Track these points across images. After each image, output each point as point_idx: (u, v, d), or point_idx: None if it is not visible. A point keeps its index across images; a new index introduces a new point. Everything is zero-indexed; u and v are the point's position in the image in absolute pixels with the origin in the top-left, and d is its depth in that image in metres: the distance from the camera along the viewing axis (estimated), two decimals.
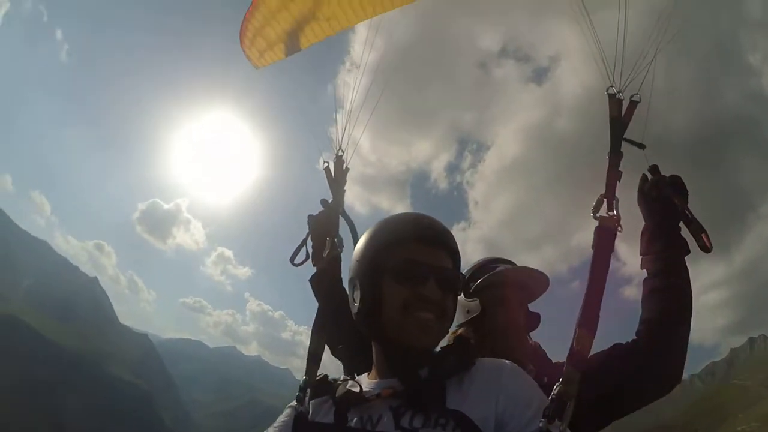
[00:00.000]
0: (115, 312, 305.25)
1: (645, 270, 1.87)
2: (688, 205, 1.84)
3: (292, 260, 2.30)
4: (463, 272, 2.26)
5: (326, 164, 2.42)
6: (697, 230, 1.80)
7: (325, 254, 2.19)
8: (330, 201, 2.33)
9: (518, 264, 2.36)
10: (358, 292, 1.56)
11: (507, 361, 1.53)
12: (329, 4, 2.70)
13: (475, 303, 2.20)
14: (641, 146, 1.79)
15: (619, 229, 1.61)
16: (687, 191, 1.86)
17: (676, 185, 1.86)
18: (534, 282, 2.28)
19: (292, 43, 2.90)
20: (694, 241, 1.83)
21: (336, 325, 1.94)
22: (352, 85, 2.48)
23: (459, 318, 2.22)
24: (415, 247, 1.53)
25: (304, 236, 2.32)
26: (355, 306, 1.58)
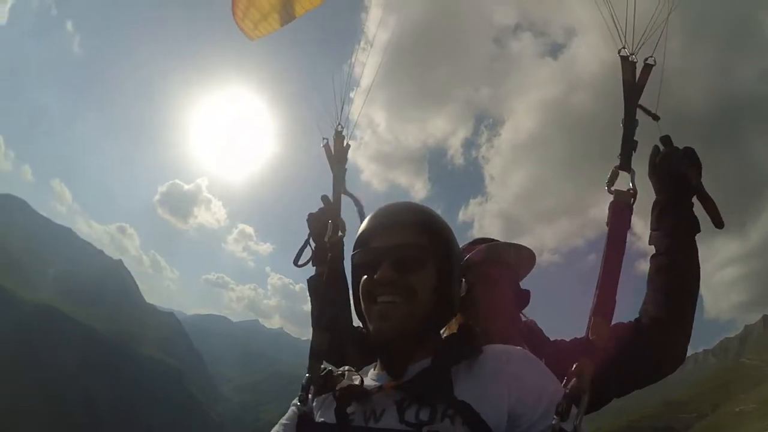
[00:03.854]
0: (141, 292, 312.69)
1: (653, 246, 1.77)
2: (702, 180, 1.71)
3: (295, 262, 2.22)
4: None
5: (325, 141, 2.32)
6: (710, 205, 1.68)
7: (326, 238, 2.12)
8: (328, 191, 2.24)
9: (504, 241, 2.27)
10: (353, 292, 1.56)
11: (518, 347, 1.46)
12: None
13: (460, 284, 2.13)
14: (655, 117, 1.67)
15: (633, 201, 1.50)
16: (701, 164, 1.72)
17: (690, 158, 1.71)
18: (518, 258, 2.20)
19: (286, 11, 2.85)
20: (707, 218, 1.71)
21: (332, 326, 1.85)
22: (358, 56, 2.35)
23: None
24: (375, 236, 1.49)
25: (306, 237, 2.24)
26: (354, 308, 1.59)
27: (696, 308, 1.70)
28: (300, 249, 2.24)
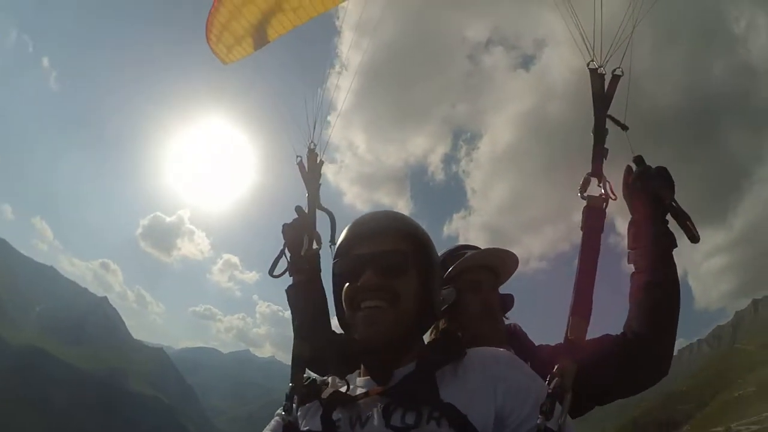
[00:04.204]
0: (128, 328, 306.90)
1: (632, 265, 1.83)
2: (675, 197, 1.78)
3: (271, 272, 2.23)
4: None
5: (299, 158, 2.37)
6: (684, 222, 1.75)
7: (303, 252, 2.14)
8: (304, 207, 2.27)
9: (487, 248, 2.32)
10: (335, 300, 1.57)
11: (502, 349, 1.49)
12: None
13: (449, 290, 2.13)
14: (624, 127, 1.73)
15: (605, 206, 1.57)
16: (673, 183, 1.79)
17: (663, 176, 1.79)
18: (503, 263, 2.25)
19: (259, 36, 2.88)
20: (683, 233, 1.78)
21: (313, 335, 1.87)
22: (334, 80, 2.45)
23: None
24: (356, 244, 1.51)
25: (281, 247, 2.24)
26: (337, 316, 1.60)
27: (678, 322, 1.77)
28: (275, 259, 2.23)
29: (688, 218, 1.75)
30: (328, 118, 2.39)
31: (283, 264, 2.22)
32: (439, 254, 2.21)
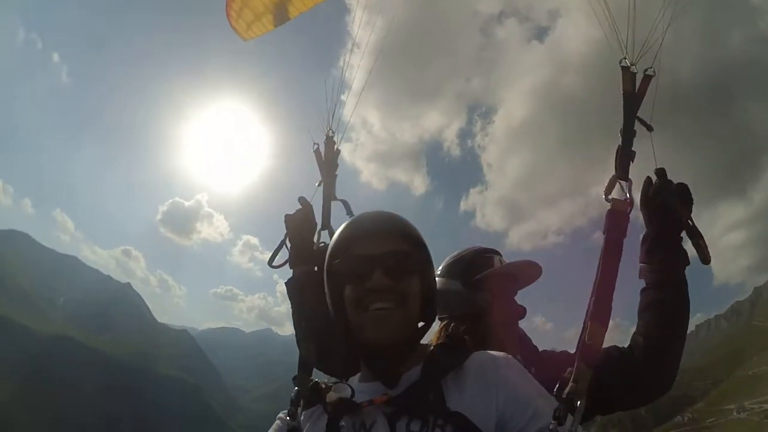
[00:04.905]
0: (152, 312, 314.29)
1: (643, 280, 1.82)
2: (692, 215, 1.76)
3: (270, 263, 2.21)
4: (455, 259, 2.29)
5: (316, 146, 2.34)
6: (698, 242, 1.73)
7: (315, 247, 2.15)
8: (313, 194, 2.28)
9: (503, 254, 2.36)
10: (329, 304, 1.54)
11: (501, 353, 1.46)
12: None
13: (485, 296, 2.16)
14: (650, 128, 1.69)
15: (630, 210, 1.53)
16: (692, 200, 1.77)
17: (681, 193, 1.77)
18: (529, 276, 2.29)
19: (280, 13, 2.90)
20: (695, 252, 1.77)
21: (319, 334, 1.84)
22: (347, 59, 2.46)
23: (457, 306, 2.20)
24: (359, 244, 1.48)
25: (282, 237, 2.21)
26: (333, 318, 1.55)
27: (684, 341, 1.77)
28: (275, 250, 2.20)
29: (702, 239, 1.74)
30: (343, 97, 2.36)
31: (283, 255, 2.18)
32: (463, 254, 2.31)
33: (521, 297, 2.32)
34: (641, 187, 1.81)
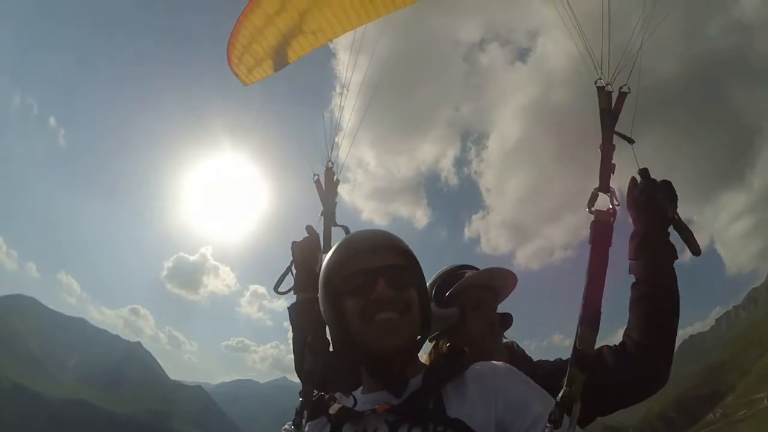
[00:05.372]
0: (164, 370, 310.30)
1: (633, 275, 1.90)
2: (678, 210, 1.83)
3: (276, 288, 2.29)
4: (429, 282, 2.30)
5: (316, 177, 2.45)
6: (687, 235, 1.80)
7: (318, 269, 2.17)
8: (319, 226, 2.36)
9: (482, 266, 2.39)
10: (330, 323, 1.59)
11: (501, 363, 1.53)
12: (315, 18, 2.76)
13: (453, 310, 2.19)
14: (630, 141, 1.77)
15: (613, 220, 1.60)
16: (677, 196, 1.86)
17: (666, 190, 1.86)
18: (503, 282, 2.32)
19: (279, 57, 2.97)
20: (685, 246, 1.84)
21: (323, 352, 1.91)
22: (338, 101, 2.57)
23: (435, 328, 2.17)
24: (359, 259, 1.53)
25: (288, 264, 2.30)
26: (332, 340, 1.62)
27: (676, 332, 1.85)
28: (281, 276, 2.29)
29: (690, 232, 1.80)
30: (336, 139, 2.52)
31: (288, 282, 2.27)
32: (438, 274, 2.38)
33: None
34: (627, 188, 1.91)
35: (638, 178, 1.91)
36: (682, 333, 19.80)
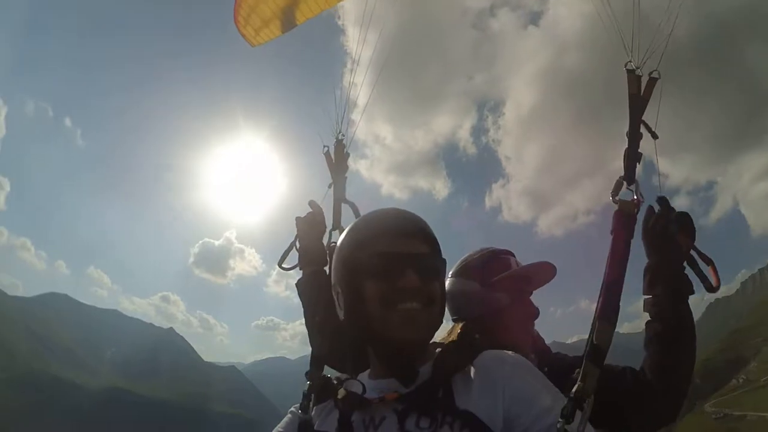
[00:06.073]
0: (198, 353, 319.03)
1: (647, 313, 1.83)
2: (696, 244, 1.74)
3: (280, 264, 2.25)
4: (471, 260, 2.27)
5: (326, 149, 2.38)
6: (701, 272, 1.72)
7: (326, 244, 2.18)
8: (322, 200, 2.30)
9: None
10: (342, 297, 1.50)
11: (510, 352, 1.47)
12: None
13: (503, 296, 2.14)
14: (654, 135, 1.68)
15: (637, 211, 1.54)
16: (694, 230, 1.77)
17: (684, 223, 1.75)
18: (544, 277, 2.27)
19: (287, 18, 2.94)
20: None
21: (325, 330, 1.84)
22: (349, 76, 2.50)
23: (476, 306, 2.18)
24: (386, 241, 1.44)
25: (293, 239, 2.26)
26: (341, 312, 1.52)
27: (692, 373, 1.80)
28: (285, 251, 2.25)
29: (710, 260, 1.74)
30: (352, 116, 2.45)
31: (293, 259, 2.23)
32: (480, 254, 2.29)
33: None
34: (643, 216, 1.79)
35: (655, 207, 1.78)
36: (709, 296, 19.28)
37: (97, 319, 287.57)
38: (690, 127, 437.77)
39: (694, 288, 1.77)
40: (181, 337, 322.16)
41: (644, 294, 1.84)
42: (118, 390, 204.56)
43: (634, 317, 26.39)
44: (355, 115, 2.48)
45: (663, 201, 1.78)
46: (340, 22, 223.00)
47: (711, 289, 1.73)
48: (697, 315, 1.86)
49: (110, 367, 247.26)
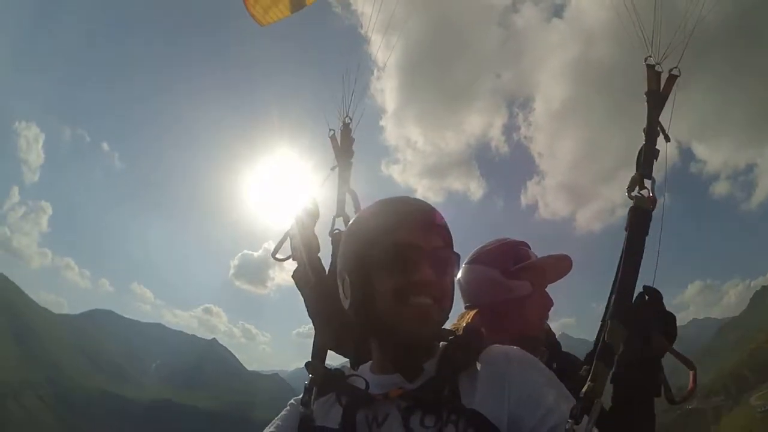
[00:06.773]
0: (241, 362, 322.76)
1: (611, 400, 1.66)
2: (670, 350, 1.58)
3: (273, 255, 2.17)
4: (493, 247, 2.26)
5: (332, 132, 2.28)
6: (664, 380, 1.57)
7: (330, 233, 2.12)
8: (324, 199, 2.19)
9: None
10: (348, 286, 1.43)
11: (515, 348, 1.41)
12: None
13: (525, 284, 2.12)
14: (667, 138, 1.64)
15: (653, 208, 1.50)
16: (675, 335, 1.61)
17: (666, 322, 1.59)
18: (560, 270, 2.25)
19: None
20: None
21: (332, 321, 1.76)
22: (353, 54, 2.40)
23: (497, 293, 2.13)
24: (401, 232, 1.39)
25: (287, 230, 2.16)
26: (347, 301, 1.45)
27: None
28: (279, 242, 2.17)
29: (694, 369, 1.65)
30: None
31: (287, 250, 2.17)
32: (499, 244, 2.28)
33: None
34: (634, 300, 1.60)
35: (645, 297, 1.62)
36: (755, 283, 16.43)
37: (141, 333, 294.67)
38: (724, 110, 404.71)
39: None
40: (224, 347, 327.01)
41: (610, 381, 1.59)
42: (165, 401, 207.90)
43: None
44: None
45: (654, 294, 1.62)
46: (361, 31, 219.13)
47: (672, 400, 1.61)
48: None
49: (156, 379, 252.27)
